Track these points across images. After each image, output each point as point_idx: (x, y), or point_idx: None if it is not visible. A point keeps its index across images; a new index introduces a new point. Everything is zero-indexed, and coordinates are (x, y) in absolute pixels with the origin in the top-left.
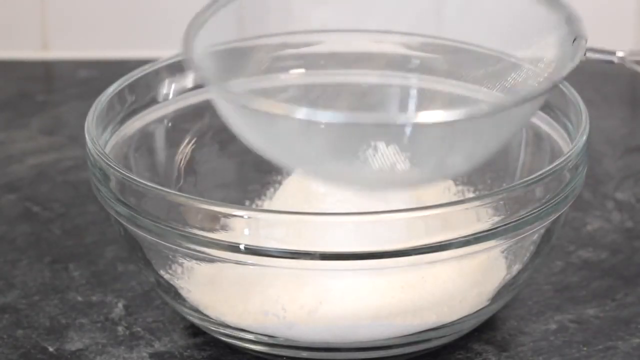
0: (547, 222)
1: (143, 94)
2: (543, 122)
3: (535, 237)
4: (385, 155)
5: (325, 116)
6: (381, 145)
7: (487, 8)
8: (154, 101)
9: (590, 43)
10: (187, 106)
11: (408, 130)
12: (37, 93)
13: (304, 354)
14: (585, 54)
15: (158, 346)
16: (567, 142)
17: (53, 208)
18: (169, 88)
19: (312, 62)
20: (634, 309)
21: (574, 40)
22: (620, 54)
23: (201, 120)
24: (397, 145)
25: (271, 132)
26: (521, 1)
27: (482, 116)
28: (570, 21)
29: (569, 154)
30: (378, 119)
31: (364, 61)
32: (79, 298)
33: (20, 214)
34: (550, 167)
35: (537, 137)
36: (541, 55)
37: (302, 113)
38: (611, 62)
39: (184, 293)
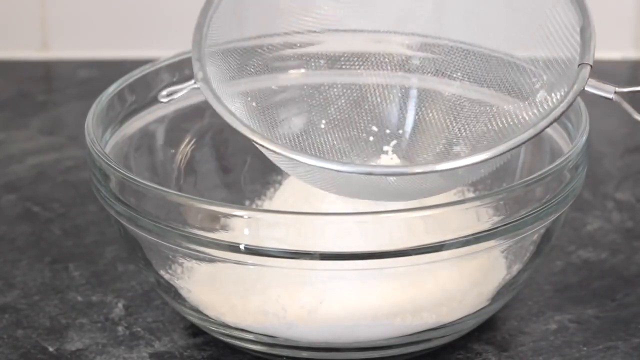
0: (547, 222)
1: (143, 94)
2: None
3: (535, 237)
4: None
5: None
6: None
7: (486, 7)
8: (154, 101)
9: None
10: (187, 106)
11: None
12: (37, 93)
13: (304, 354)
14: (584, 86)
15: (158, 346)
16: (567, 142)
17: (53, 208)
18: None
19: (312, 62)
20: (634, 309)
21: (579, 65)
22: (616, 89)
23: (201, 120)
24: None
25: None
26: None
27: (481, 162)
28: (583, 35)
29: (569, 154)
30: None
31: (364, 61)
32: (79, 298)
33: (20, 214)
34: (550, 167)
35: (537, 137)
36: (542, 54)
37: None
38: (608, 99)
39: (184, 293)
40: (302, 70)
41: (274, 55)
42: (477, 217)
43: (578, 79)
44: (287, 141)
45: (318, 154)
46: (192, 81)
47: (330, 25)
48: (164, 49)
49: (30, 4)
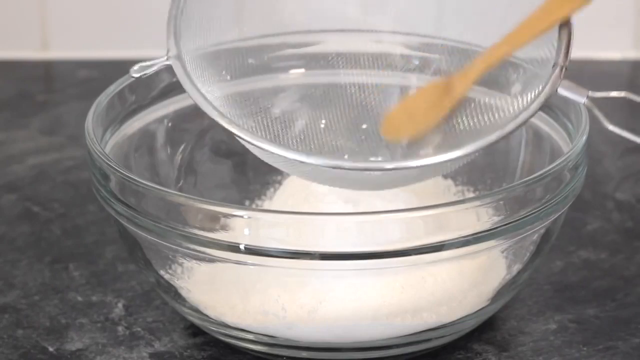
0: (547, 222)
1: (143, 94)
2: (543, 122)
3: (535, 237)
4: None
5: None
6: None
7: (486, 8)
8: (154, 101)
9: (589, 44)
10: (187, 106)
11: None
12: (37, 93)
13: (304, 354)
14: (557, 88)
15: (158, 346)
16: (567, 142)
17: (53, 208)
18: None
19: (312, 62)
20: (634, 309)
21: (553, 65)
22: (589, 94)
23: (201, 120)
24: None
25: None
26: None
27: (456, 159)
28: (560, 37)
29: (569, 154)
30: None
31: (364, 61)
32: (79, 298)
33: (20, 214)
34: (550, 167)
35: (537, 137)
36: (540, 55)
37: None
38: (580, 102)
39: (184, 293)
40: (302, 70)
41: (274, 55)
42: (477, 217)
43: (550, 80)
44: (279, 133)
45: (314, 149)
46: (165, 57)
47: (331, 25)
48: (163, 49)
49: (30, 4)
